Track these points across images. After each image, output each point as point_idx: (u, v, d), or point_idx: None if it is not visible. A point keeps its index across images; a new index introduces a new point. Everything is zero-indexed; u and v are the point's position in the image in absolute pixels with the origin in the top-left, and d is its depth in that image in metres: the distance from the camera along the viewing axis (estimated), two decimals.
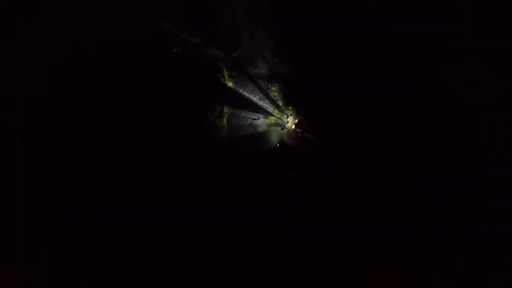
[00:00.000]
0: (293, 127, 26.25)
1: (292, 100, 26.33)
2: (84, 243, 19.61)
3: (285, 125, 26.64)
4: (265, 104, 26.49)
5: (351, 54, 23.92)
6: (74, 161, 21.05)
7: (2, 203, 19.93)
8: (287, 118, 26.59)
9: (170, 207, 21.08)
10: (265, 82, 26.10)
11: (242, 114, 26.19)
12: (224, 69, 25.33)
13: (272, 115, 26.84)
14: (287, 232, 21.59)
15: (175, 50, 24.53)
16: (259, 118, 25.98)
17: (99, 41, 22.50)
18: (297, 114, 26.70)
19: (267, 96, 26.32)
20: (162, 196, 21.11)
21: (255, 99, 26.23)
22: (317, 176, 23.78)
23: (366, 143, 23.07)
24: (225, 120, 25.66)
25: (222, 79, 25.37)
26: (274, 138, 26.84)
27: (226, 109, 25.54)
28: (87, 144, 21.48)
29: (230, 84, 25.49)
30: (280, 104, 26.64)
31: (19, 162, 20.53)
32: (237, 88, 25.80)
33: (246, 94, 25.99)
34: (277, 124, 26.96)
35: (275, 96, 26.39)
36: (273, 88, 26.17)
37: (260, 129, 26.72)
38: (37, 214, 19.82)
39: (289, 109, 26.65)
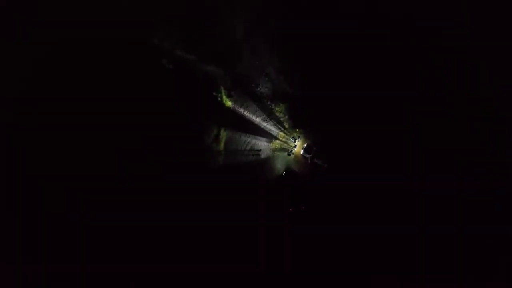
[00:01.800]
0: (301, 152, 22.93)
1: (299, 121, 23.41)
2: (84, 243, 19.45)
3: (292, 150, 23.42)
4: (268, 126, 23.52)
5: (360, 71, 22.58)
6: (74, 161, 20.63)
7: (2, 203, 19.67)
8: (294, 142, 23.42)
9: (170, 207, 20.35)
10: (269, 102, 23.36)
11: (242, 137, 23.04)
12: (222, 87, 22.80)
13: (277, 138, 23.65)
14: (287, 232, 21.06)
15: (167, 67, 22.30)
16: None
17: (98, 46, 22.14)
18: (306, 137, 23.47)
19: (271, 117, 23.46)
20: (162, 196, 20.45)
21: (257, 120, 23.35)
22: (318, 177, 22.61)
23: (368, 144, 21.99)
24: (222, 144, 22.55)
25: (219, 99, 22.78)
26: (279, 165, 23.43)
27: (223, 132, 22.57)
28: (87, 144, 21.09)
29: (228, 104, 22.83)
30: (286, 126, 23.56)
31: (18, 162, 20.34)
32: (237, 109, 23.08)
33: (247, 115, 23.23)
34: (282, 149, 23.64)
35: (280, 118, 23.48)
36: (278, 109, 23.35)
37: (263, 155, 23.35)
38: (37, 214, 19.65)
39: (296, 131, 23.52)
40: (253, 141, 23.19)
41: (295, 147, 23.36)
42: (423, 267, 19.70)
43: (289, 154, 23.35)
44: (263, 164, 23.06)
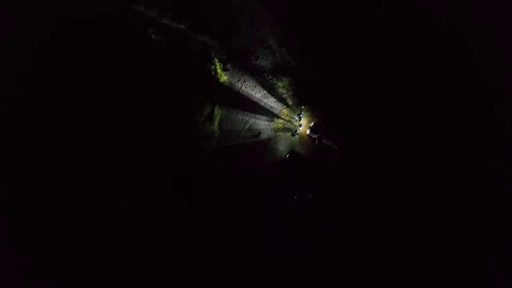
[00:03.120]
0: (308, 132, 20.51)
1: (305, 97, 20.79)
2: (82, 248, 18.14)
3: (296, 130, 20.90)
4: (269, 103, 20.91)
5: (371, 40, 20.55)
6: (69, 163, 18.93)
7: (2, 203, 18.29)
8: (299, 120, 20.85)
9: (169, 207, 18.95)
10: (270, 76, 20.76)
11: (239, 116, 20.50)
12: (217, 60, 20.29)
13: (279, 117, 21.01)
14: (289, 229, 19.69)
15: (153, 37, 19.82)
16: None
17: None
18: (313, 115, 20.89)
19: (272, 93, 20.85)
20: (162, 196, 19.04)
21: (256, 97, 20.75)
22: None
23: (383, 122, 20.20)
24: (216, 124, 20.10)
25: (213, 73, 20.25)
26: (282, 148, 20.85)
27: (218, 110, 20.16)
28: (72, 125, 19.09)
29: (224, 78, 20.37)
30: (290, 103, 20.96)
31: (17, 162, 18.81)
32: (233, 84, 20.52)
33: (244, 91, 20.64)
34: (285, 129, 21.03)
35: (282, 94, 20.86)
36: (280, 84, 20.77)
37: (264, 136, 20.74)
38: (33, 219, 18.25)
39: (301, 109, 20.88)
40: (252, 120, 20.64)
41: (300, 126, 20.92)
42: (424, 267, 18.72)
43: (293, 135, 20.96)
44: (263, 147, 20.54)
